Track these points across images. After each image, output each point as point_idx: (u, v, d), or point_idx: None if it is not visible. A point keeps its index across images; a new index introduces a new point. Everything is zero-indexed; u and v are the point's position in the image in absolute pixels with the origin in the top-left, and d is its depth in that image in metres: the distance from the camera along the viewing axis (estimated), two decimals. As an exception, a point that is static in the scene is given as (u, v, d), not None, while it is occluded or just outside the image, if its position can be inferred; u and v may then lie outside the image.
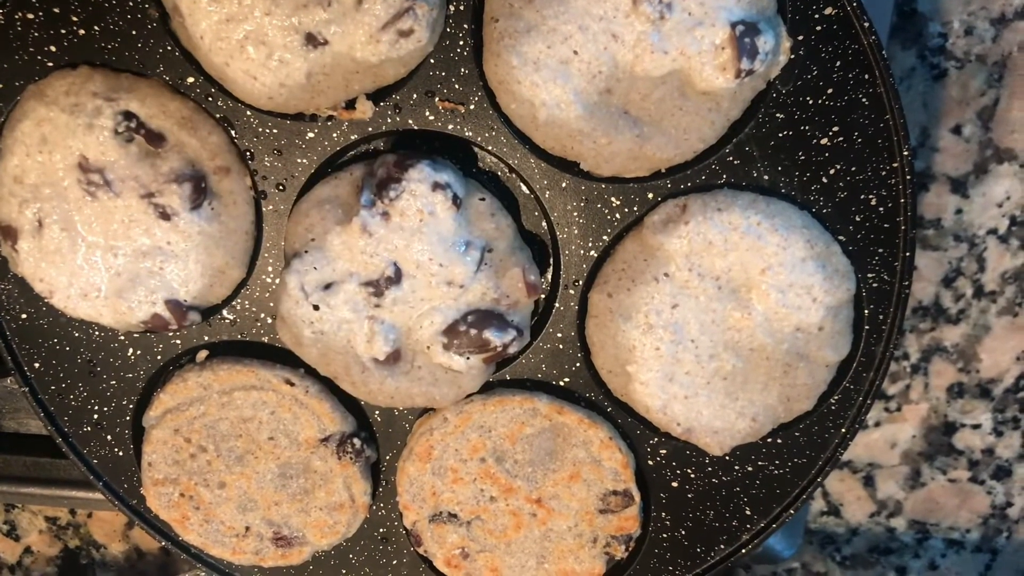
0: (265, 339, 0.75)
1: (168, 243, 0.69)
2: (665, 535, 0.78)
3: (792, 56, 0.66)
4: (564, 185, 0.70)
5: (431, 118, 0.68)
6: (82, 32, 0.67)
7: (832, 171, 0.68)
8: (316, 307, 0.68)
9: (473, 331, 0.69)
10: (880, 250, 0.70)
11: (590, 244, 0.71)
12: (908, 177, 0.67)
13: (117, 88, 0.67)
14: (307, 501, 0.77)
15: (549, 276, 0.74)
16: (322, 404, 0.74)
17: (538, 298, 0.73)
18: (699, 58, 0.64)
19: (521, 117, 0.67)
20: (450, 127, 0.68)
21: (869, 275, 0.70)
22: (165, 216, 0.68)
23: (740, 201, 0.68)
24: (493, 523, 0.77)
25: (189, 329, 0.74)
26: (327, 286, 0.68)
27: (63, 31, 0.67)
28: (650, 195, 0.70)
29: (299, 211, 0.69)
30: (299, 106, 0.66)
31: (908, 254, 0.69)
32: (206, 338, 0.75)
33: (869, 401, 0.73)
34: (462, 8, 0.65)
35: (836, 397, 0.73)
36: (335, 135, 0.69)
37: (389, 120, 0.68)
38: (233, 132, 0.69)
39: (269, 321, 0.74)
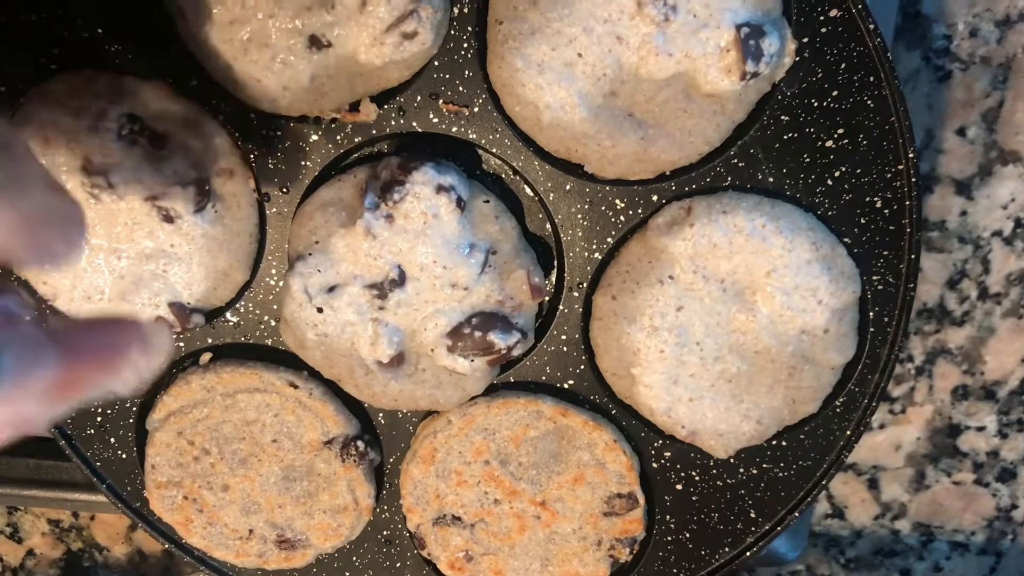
0: (269, 342, 0.74)
1: (172, 246, 0.69)
2: (669, 538, 0.78)
3: (797, 58, 0.65)
4: (568, 187, 0.70)
5: (435, 120, 0.68)
6: (86, 35, 0.67)
7: (837, 173, 0.68)
8: (320, 310, 0.68)
9: (477, 333, 0.69)
10: (885, 252, 0.69)
11: (594, 246, 0.71)
12: (913, 180, 0.67)
13: (121, 90, 0.67)
14: (311, 504, 0.77)
15: (553, 278, 0.73)
16: (326, 407, 0.74)
17: (542, 300, 0.72)
18: (704, 60, 0.63)
19: (525, 119, 0.67)
20: (454, 129, 0.68)
21: (874, 277, 0.70)
22: (169, 219, 0.68)
23: (745, 203, 0.67)
24: (497, 526, 0.77)
25: (193, 332, 0.74)
26: (331, 289, 0.68)
27: (66, 33, 0.66)
28: (654, 197, 0.70)
29: (303, 214, 0.69)
30: (303, 108, 0.66)
31: (913, 256, 0.69)
32: (210, 340, 0.75)
33: (874, 404, 0.73)
34: (466, 11, 0.65)
35: (841, 400, 0.73)
36: (339, 138, 0.69)
37: (393, 123, 0.68)
38: (237, 134, 0.69)
39: (273, 324, 0.74)
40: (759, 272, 0.68)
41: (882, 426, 1.01)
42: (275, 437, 0.75)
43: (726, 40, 0.63)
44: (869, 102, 0.66)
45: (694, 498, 0.77)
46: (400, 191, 0.65)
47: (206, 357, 0.75)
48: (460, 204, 0.66)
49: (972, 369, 0.97)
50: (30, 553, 1.17)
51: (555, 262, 0.73)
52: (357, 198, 0.68)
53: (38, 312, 0.49)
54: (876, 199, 0.68)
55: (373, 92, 0.67)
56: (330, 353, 0.70)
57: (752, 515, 0.76)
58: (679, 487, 0.77)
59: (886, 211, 0.68)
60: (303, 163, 0.70)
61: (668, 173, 0.69)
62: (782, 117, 0.67)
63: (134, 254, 0.69)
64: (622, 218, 0.70)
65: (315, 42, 0.63)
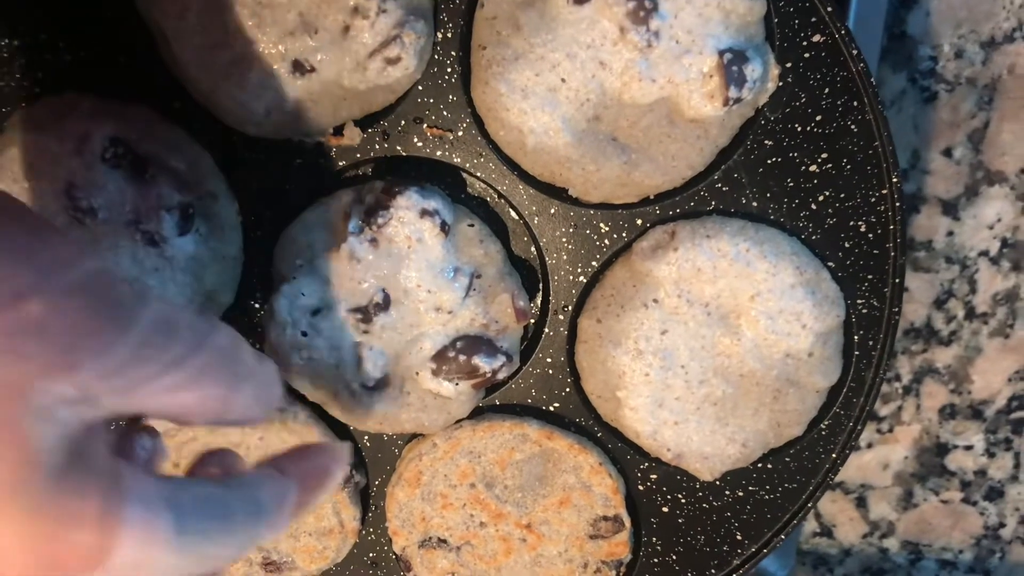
0: (253, 364, 0.74)
1: (156, 269, 0.68)
2: (656, 560, 0.78)
3: (780, 83, 0.65)
4: (553, 211, 0.70)
5: (419, 144, 0.68)
6: (69, 58, 0.67)
7: (821, 198, 0.68)
8: (304, 333, 0.68)
9: (462, 357, 0.69)
10: (870, 276, 0.69)
11: (579, 270, 0.71)
12: (897, 204, 0.67)
13: (104, 113, 0.66)
14: (296, 526, 0.77)
15: (538, 301, 0.73)
16: (311, 430, 0.74)
17: (527, 324, 0.72)
18: (687, 86, 0.63)
19: (509, 144, 0.66)
20: (438, 153, 0.68)
21: (859, 301, 0.70)
22: (153, 242, 0.68)
23: (729, 228, 0.67)
24: (483, 548, 0.77)
25: (177, 354, 0.73)
26: (315, 312, 0.68)
27: (48, 56, 0.66)
28: (639, 221, 0.69)
29: (287, 236, 0.69)
30: (286, 132, 0.66)
31: (898, 280, 0.69)
32: (194, 363, 0.74)
33: (860, 427, 0.73)
34: (450, 36, 0.65)
35: (826, 423, 0.73)
36: (322, 161, 0.69)
37: (377, 147, 0.68)
38: (221, 158, 0.69)
39: (256, 346, 0.73)
40: (743, 296, 0.68)
41: (870, 445, 1.01)
42: (261, 460, 0.74)
43: (709, 66, 0.63)
44: (853, 127, 0.66)
45: (680, 520, 0.77)
46: (384, 215, 0.65)
47: (191, 380, 0.74)
48: (444, 228, 0.66)
49: (959, 388, 0.97)
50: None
51: (540, 285, 0.73)
52: (341, 222, 0.68)
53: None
54: (860, 223, 0.68)
55: (357, 116, 0.67)
56: (314, 376, 0.70)
57: (738, 537, 0.76)
58: (665, 509, 0.76)
59: (870, 235, 0.68)
60: (287, 187, 0.70)
61: (652, 197, 0.69)
62: (766, 142, 0.67)
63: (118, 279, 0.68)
64: (607, 242, 0.70)
65: (298, 67, 0.63)
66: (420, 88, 0.67)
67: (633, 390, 0.70)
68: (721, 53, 0.63)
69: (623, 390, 0.70)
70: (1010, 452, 0.99)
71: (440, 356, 0.69)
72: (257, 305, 0.73)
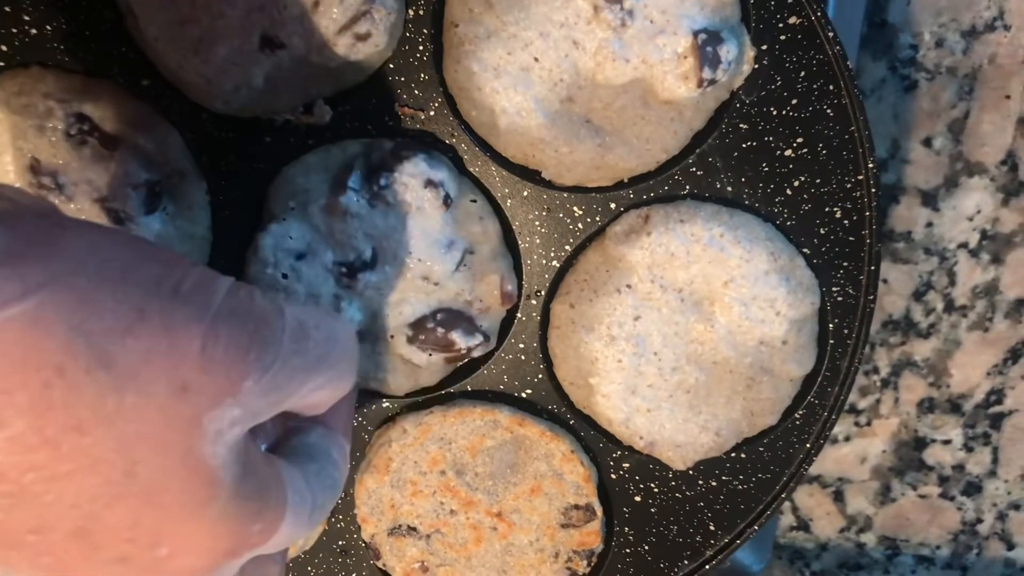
0: (221, 347, 0.73)
1: (122, 248, 0.68)
2: (628, 550, 0.77)
3: (756, 66, 0.65)
4: (526, 194, 0.69)
5: (391, 124, 0.67)
6: (34, 32, 0.65)
7: (796, 183, 0.67)
8: (285, 276, 0.67)
9: (440, 330, 0.68)
10: (845, 263, 0.69)
11: (552, 254, 0.70)
12: (873, 190, 0.67)
13: (70, 89, 0.65)
14: (264, 513, 0.75)
15: (514, 286, 0.73)
16: (279, 414, 0.73)
17: (511, 308, 0.71)
18: (661, 67, 0.63)
19: (482, 124, 0.66)
20: (410, 134, 0.67)
21: (834, 289, 0.69)
22: (119, 221, 0.67)
23: (703, 212, 0.67)
24: (453, 537, 0.76)
25: (144, 336, 0.72)
26: (300, 256, 0.67)
27: (14, 30, 0.65)
28: (612, 205, 0.69)
29: (285, 177, 0.68)
30: (255, 110, 0.65)
31: (873, 268, 0.68)
32: (161, 345, 0.73)
33: (834, 416, 0.72)
34: (421, 13, 0.64)
35: (801, 412, 0.72)
36: (292, 140, 0.68)
37: (348, 126, 0.67)
38: (189, 136, 0.68)
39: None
40: (717, 282, 0.67)
41: (848, 438, 1.00)
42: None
43: (683, 46, 0.62)
44: (829, 111, 0.65)
45: (653, 510, 0.76)
46: (388, 177, 0.64)
47: (157, 362, 0.73)
48: (447, 202, 0.65)
49: (938, 382, 0.97)
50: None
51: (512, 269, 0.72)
52: (343, 172, 0.67)
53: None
54: (836, 209, 0.68)
55: (327, 94, 0.66)
56: None
57: (711, 528, 0.75)
58: (638, 499, 0.76)
59: (846, 221, 0.68)
60: (256, 165, 0.68)
61: (626, 181, 0.68)
62: (741, 125, 0.66)
63: (84, 256, 0.67)
64: (580, 225, 0.69)
65: (267, 43, 0.62)
66: (391, 66, 0.66)
67: (605, 376, 0.69)
68: (696, 34, 0.62)
69: (595, 376, 0.70)
70: (988, 447, 0.99)
71: (418, 324, 0.68)
72: (225, 287, 0.72)
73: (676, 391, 0.70)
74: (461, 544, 0.76)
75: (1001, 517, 1.02)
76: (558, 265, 0.70)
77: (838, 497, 1.03)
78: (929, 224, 0.91)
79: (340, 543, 0.79)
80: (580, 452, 0.74)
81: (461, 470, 0.74)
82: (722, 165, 0.67)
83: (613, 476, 0.75)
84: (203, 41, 0.62)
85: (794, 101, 0.65)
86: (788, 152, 0.66)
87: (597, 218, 0.69)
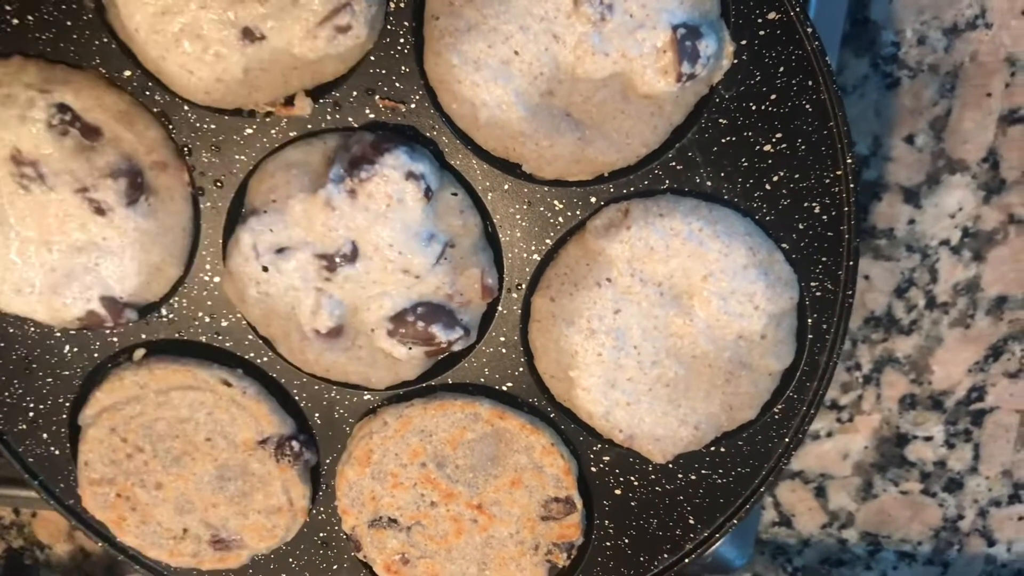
0: (203, 338, 0.73)
1: (104, 239, 0.68)
2: (608, 543, 0.77)
3: (735, 61, 0.65)
4: (507, 187, 0.69)
5: (371, 116, 0.67)
6: (15, 22, 0.65)
7: (775, 178, 0.67)
8: (265, 268, 0.67)
9: (420, 323, 0.68)
10: (824, 258, 0.69)
11: (533, 247, 0.70)
12: (852, 185, 0.67)
13: (51, 80, 0.66)
14: (245, 504, 0.76)
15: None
16: (260, 406, 0.73)
17: (491, 301, 0.72)
18: (640, 61, 0.63)
19: (462, 117, 0.66)
20: (391, 127, 0.67)
21: (812, 284, 0.70)
22: (100, 211, 0.67)
23: (682, 207, 0.67)
24: (434, 529, 0.76)
25: (126, 327, 0.73)
26: (280, 250, 0.67)
27: (-4, 21, 0.65)
28: (593, 199, 0.69)
29: (265, 170, 0.68)
30: (237, 101, 0.65)
31: (852, 263, 0.69)
32: (143, 336, 0.73)
33: (813, 411, 0.72)
34: (402, 5, 0.65)
35: (780, 406, 0.72)
36: (274, 132, 0.68)
37: (328, 118, 0.67)
38: (170, 127, 0.68)
39: (207, 320, 0.73)
40: (696, 276, 0.67)
41: (829, 434, 1.00)
42: (209, 436, 0.74)
43: (662, 41, 0.62)
44: (807, 106, 0.66)
45: (633, 503, 0.76)
46: (368, 170, 0.64)
47: (139, 353, 0.74)
48: (428, 194, 0.65)
49: (920, 378, 0.97)
50: (-29, 551, 1.16)
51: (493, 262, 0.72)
52: (323, 165, 0.67)
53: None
54: (815, 204, 0.68)
55: (308, 86, 0.66)
56: (269, 312, 0.69)
57: (691, 521, 0.76)
58: (618, 492, 0.76)
59: (824, 217, 0.68)
60: (238, 157, 0.69)
61: (606, 175, 0.68)
62: (720, 120, 0.66)
63: (65, 247, 0.68)
64: (560, 219, 0.70)
65: (248, 34, 0.62)
66: (372, 59, 0.66)
67: (585, 370, 0.70)
68: (675, 28, 0.62)
69: (576, 370, 0.70)
70: (969, 444, 0.99)
71: (398, 318, 0.69)
72: (207, 278, 0.72)
73: (655, 385, 0.70)
74: (441, 536, 0.76)
75: (982, 514, 1.03)
76: (539, 259, 0.71)
77: (820, 493, 1.03)
78: (911, 221, 0.92)
79: (321, 535, 0.79)
80: (560, 445, 0.74)
81: (442, 462, 0.74)
82: (701, 160, 0.67)
83: (593, 469, 0.76)
84: (184, 32, 0.62)
85: (773, 96, 0.66)
86: (767, 147, 0.67)
87: (577, 212, 0.69)
